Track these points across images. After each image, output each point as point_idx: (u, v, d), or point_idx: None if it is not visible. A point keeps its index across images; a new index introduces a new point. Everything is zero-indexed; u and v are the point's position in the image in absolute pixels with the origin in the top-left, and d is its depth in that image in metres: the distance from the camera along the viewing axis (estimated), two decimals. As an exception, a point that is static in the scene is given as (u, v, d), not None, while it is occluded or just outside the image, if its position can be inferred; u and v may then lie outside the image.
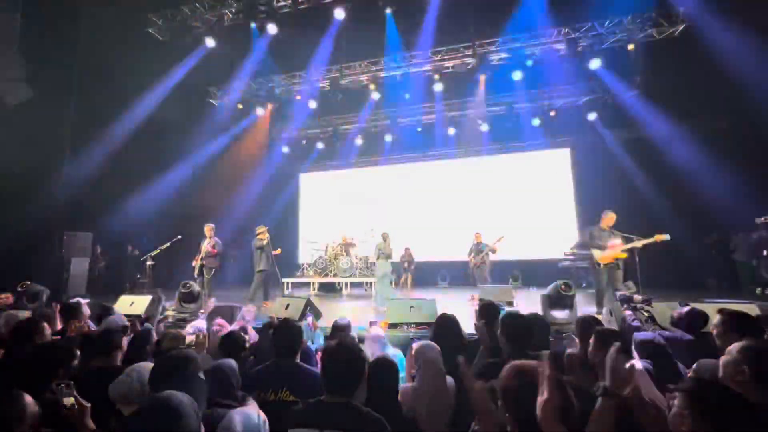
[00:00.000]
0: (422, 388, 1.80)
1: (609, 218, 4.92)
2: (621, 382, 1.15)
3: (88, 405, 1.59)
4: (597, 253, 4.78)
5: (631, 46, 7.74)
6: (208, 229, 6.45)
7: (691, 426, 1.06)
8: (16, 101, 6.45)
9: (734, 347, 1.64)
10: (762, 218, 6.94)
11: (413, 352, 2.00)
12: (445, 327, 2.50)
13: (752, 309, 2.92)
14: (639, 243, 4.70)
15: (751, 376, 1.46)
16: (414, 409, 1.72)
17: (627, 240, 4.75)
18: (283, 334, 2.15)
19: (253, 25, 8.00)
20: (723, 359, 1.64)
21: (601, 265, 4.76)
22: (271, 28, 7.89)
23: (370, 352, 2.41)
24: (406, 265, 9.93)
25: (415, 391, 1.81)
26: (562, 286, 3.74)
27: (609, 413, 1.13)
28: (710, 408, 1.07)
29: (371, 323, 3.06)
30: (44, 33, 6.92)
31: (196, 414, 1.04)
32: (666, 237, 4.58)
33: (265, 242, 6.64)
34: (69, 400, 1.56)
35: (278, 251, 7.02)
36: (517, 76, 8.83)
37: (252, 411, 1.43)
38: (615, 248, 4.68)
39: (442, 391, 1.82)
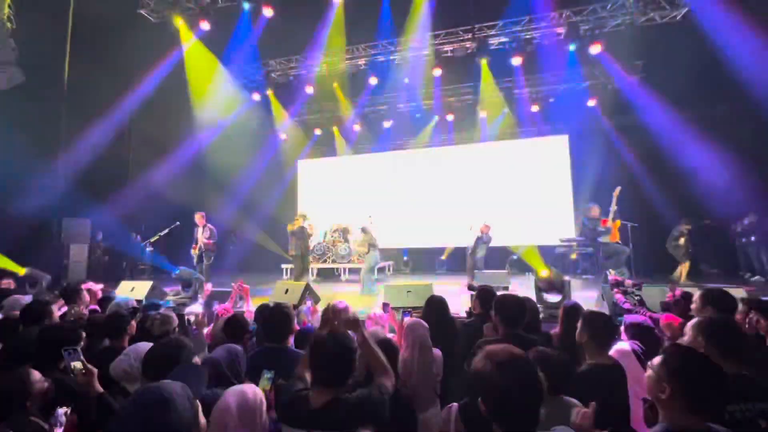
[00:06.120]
0: (411, 359, 1.97)
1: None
2: None
3: (96, 369, 1.64)
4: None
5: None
6: (199, 217, 6.46)
7: (669, 391, 1.12)
8: (9, 85, 6.34)
9: (690, 323, 1.72)
10: None
11: (404, 327, 2.13)
12: (434, 307, 2.76)
13: (739, 292, 3.00)
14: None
15: (706, 347, 1.53)
16: (406, 379, 1.92)
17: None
18: (273, 318, 2.15)
19: (247, 6, 7.81)
20: (685, 338, 1.71)
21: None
22: (266, 11, 7.70)
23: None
24: None
25: (405, 362, 1.97)
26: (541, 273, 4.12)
27: None
28: (685, 372, 1.13)
29: (384, 305, 3.04)
30: (36, 16, 6.75)
31: (191, 403, 1.02)
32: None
33: (296, 228, 7.01)
34: (77, 365, 1.61)
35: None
36: (516, 61, 8.69)
37: (248, 390, 1.41)
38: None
39: (429, 361, 2.02)
